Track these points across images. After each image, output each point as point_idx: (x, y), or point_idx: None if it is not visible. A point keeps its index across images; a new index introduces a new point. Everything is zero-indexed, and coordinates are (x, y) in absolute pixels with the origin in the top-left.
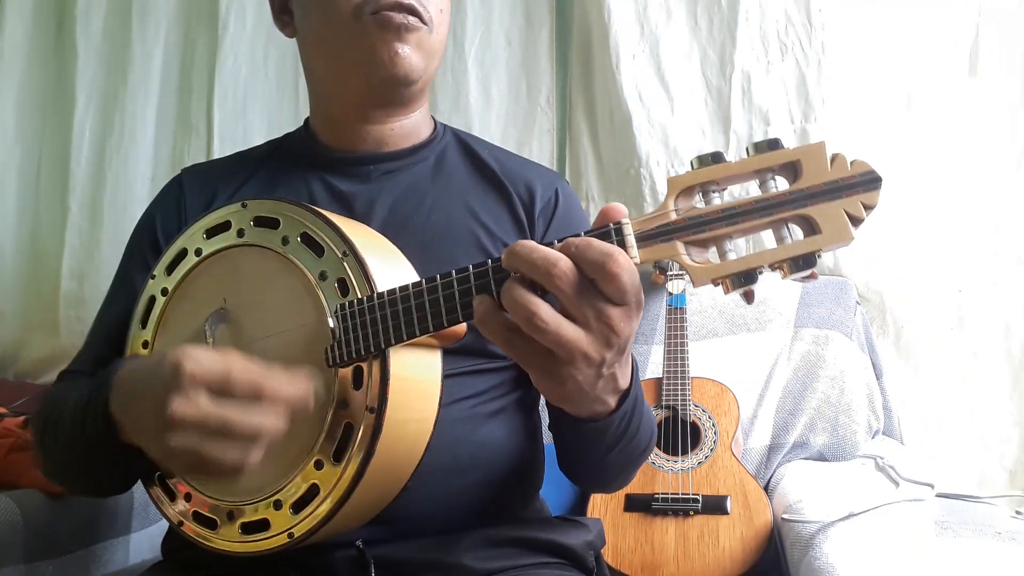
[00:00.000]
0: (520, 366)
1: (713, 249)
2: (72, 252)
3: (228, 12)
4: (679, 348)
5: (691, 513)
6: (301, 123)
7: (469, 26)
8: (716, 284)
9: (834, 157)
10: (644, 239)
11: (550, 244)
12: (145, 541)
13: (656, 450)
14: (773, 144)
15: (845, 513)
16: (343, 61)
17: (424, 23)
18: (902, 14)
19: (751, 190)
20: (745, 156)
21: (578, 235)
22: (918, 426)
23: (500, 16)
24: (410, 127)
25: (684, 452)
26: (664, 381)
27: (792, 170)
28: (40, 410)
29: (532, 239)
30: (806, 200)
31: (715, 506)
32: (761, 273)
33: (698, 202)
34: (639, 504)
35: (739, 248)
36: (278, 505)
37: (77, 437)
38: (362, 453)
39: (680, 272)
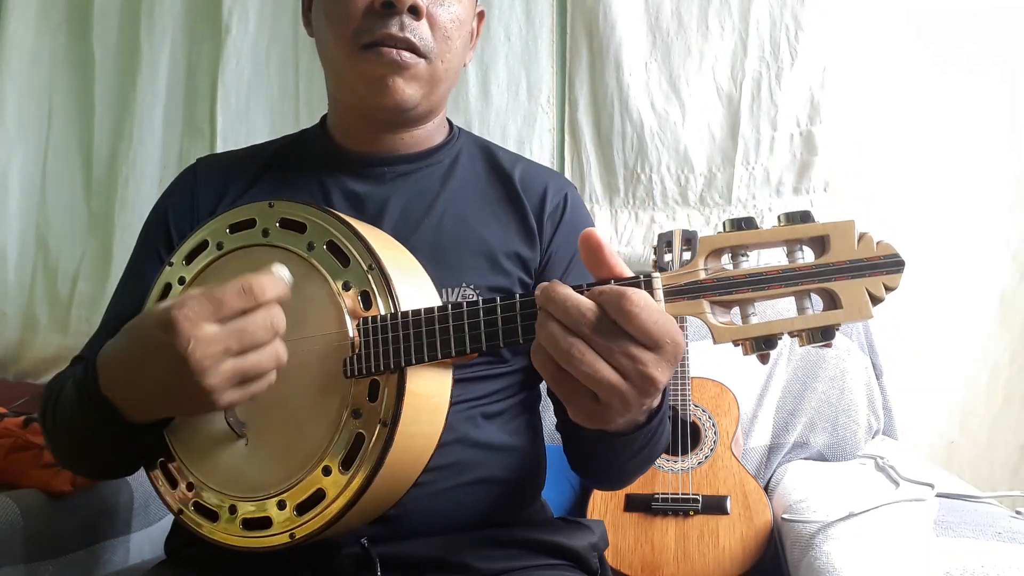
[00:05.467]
0: (529, 373)
1: (736, 309)
2: (89, 254)
3: (231, 15)
4: None
5: (691, 513)
6: (302, 125)
7: None
8: (736, 344)
9: (861, 236)
10: (672, 294)
11: (579, 288)
12: (145, 541)
13: None
14: (805, 217)
15: (845, 513)
16: (343, 81)
17: (422, 56)
18: (906, 23)
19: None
20: (777, 224)
21: (608, 282)
22: (917, 426)
23: (499, 11)
24: (423, 135)
25: (684, 452)
26: None
27: (820, 243)
28: (44, 393)
29: (540, 245)
30: (830, 275)
31: (715, 506)
32: (780, 339)
33: (726, 263)
34: (639, 504)
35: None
36: (282, 505)
37: (76, 426)
38: (371, 464)
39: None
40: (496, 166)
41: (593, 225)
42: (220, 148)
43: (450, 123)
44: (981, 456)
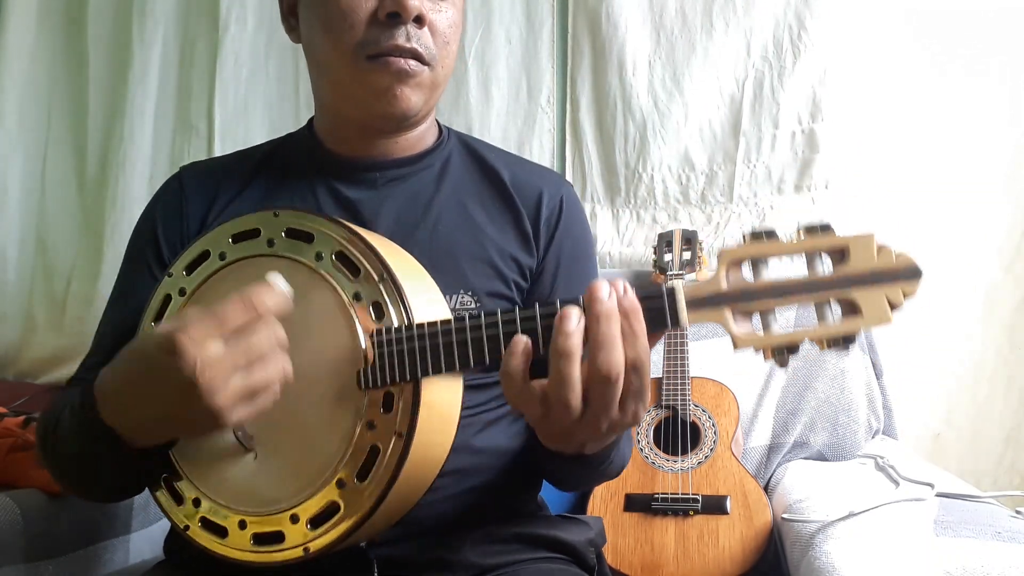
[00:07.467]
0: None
1: (756, 316)
2: (82, 253)
3: (229, 13)
4: (679, 348)
5: (691, 513)
6: (302, 124)
7: (469, 25)
8: (757, 351)
9: (881, 248)
10: (694, 305)
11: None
12: (145, 541)
13: (656, 450)
14: (825, 228)
15: (845, 513)
16: (343, 91)
17: (426, 63)
18: (907, 23)
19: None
20: (797, 235)
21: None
22: (904, 419)
23: (500, 14)
24: (415, 138)
25: (684, 452)
26: (664, 381)
27: (840, 253)
28: (41, 422)
29: (537, 252)
30: (851, 284)
31: (715, 506)
32: (801, 344)
33: (747, 273)
34: (639, 504)
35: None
36: (295, 519)
37: (80, 455)
38: (387, 476)
39: (680, 272)
40: (486, 167)
41: (588, 223)
42: (218, 147)
43: (438, 124)
44: (967, 448)
